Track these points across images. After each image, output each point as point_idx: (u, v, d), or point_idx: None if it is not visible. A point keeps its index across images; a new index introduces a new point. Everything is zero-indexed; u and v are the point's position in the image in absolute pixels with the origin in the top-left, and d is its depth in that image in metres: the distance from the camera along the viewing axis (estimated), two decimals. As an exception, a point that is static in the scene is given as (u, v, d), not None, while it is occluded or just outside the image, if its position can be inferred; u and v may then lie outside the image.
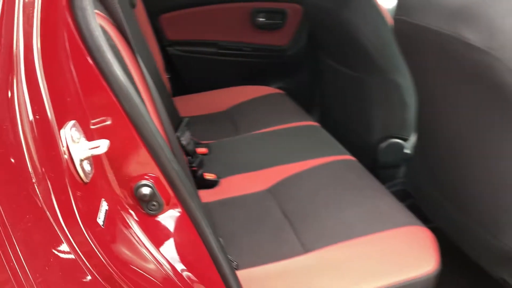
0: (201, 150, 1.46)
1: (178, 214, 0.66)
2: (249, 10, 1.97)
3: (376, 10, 1.48)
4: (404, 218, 1.09)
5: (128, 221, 0.62)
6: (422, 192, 1.40)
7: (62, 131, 0.52)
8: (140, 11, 1.56)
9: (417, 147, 1.41)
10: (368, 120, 1.67)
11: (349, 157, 1.39)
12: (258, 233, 1.09)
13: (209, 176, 1.32)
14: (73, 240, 0.50)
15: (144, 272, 0.61)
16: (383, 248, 1.00)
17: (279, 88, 2.00)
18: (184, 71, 2.07)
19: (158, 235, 0.65)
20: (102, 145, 0.55)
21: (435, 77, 1.10)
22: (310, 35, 2.01)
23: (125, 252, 0.59)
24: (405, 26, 1.14)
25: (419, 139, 1.39)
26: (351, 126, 1.77)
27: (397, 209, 1.13)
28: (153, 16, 1.84)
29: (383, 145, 1.65)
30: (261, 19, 2.00)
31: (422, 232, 1.04)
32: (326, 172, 1.30)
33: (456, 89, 1.04)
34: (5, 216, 0.45)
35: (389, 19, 1.52)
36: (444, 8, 0.98)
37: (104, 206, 0.58)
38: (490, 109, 0.96)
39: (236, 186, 1.29)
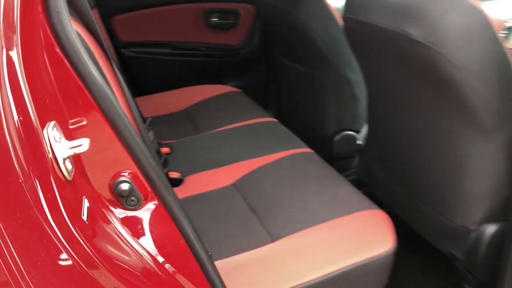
0: (164, 149, 1.48)
1: (156, 208, 0.69)
2: (202, 10, 2.00)
3: (326, 9, 1.55)
4: (361, 203, 1.16)
5: (108, 217, 0.64)
6: (375, 179, 1.49)
7: (44, 131, 0.54)
8: (94, 13, 1.55)
9: (368, 137, 1.50)
10: (322, 115, 1.75)
11: (307, 149, 1.45)
12: (226, 226, 1.13)
13: (173, 174, 1.34)
14: (61, 236, 0.52)
15: (127, 266, 0.64)
16: (344, 231, 1.07)
17: (235, 86, 2.05)
18: (139, 73, 2.06)
19: (138, 229, 0.67)
20: (83, 144, 0.57)
21: (384, 70, 1.19)
22: (263, 34, 2.07)
23: (109, 247, 0.62)
24: (354, 24, 1.22)
25: (370, 129, 1.48)
26: (307, 121, 1.85)
27: (355, 195, 1.21)
28: (105, 18, 1.83)
29: (337, 137, 1.74)
30: (214, 19, 2.03)
31: (378, 215, 1.12)
32: (287, 165, 1.36)
33: (403, 81, 1.13)
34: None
35: (338, 18, 1.60)
36: (390, 7, 1.07)
37: (85, 203, 0.60)
38: (435, 97, 1.06)
39: (201, 183, 1.32)
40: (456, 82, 0.97)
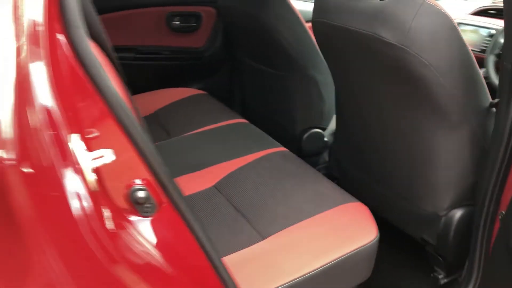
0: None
1: (170, 213, 0.70)
2: (165, 14, 1.99)
3: (292, 12, 1.61)
4: (342, 196, 1.23)
5: (125, 225, 0.65)
6: (346, 173, 1.57)
7: (70, 144, 0.54)
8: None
9: (338, 133, 1.58)
10: (291, 114, 1.81)
11: (282, 148, 1.50)
12: (215, 228, 1.15)
13: (154, 180, 1.33)
14: (95, 246, 0.53)
15: (146, 271, 0.65)
16: (330, 225, 1.12)
17: (200, 89, 2.06)
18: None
19: (154, 235, 0.69)
20: (106, 154, 0.58)
21: (356, 70, 1.26)
22: (226, 36, 2.09)
23: (133, 254, 0.63)
24: (325, 28, 1.28)
25: (339, 126, 1.55)
26: (275, 121, 1.90)
27: (334, 189, 1.27)
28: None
29: (306, 135, 1.81)
30: (176, 23, 2.03)
31: (359, 207, 1.19)
32: (266, 164, 1.39)
33: (375, 80, 1.20)
34: (43, 228, 0.47)
35: (303, 20, 1.66)
36: (362, 12, 1.14)
37: (106, 212, 0.61)
38: (405, 95, 1.14)
39: (183, 186, 1.32)
40: (426, 80, 1.05)
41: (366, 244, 1.07)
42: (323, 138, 1.82)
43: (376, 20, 1.09)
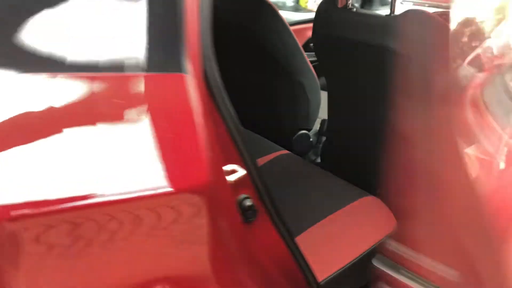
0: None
1: (265, 218, 0.78)
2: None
3: (284, 25, 1.70)
4: (356, 192, 1.35)
5: (243, 229, 0.72)
6: (341, 170, 1.70)
7: None
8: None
9: (331, 132, 1.70)
10: (279, 118, 1.90)
11: (285, 151, 1.60)
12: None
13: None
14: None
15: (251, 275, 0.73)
16: (355, 218, 1.24)
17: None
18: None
19: (255, 239, 0.76)
20: (237, 169, 0.65)
21: (360, 76, 1.39)
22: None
23: (247, 250, 0.71)
24: (328, 39, 1.40)
25: (331, 126, 1.68)
26: (263, 125, 1.98)
27: (346, 186, 1.39)
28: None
29: (294, 137, 1.91)
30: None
31: (374, 200, 1.32)
32: (275, 168, 1.48)
33: (380, 84, 1.34)
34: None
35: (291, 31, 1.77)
36: (366, 25, 1.27)
37: (237, 217, 0.68)
38: (408, 93, 1.28)
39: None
40: (427, 82, 1.21)
41: (390, 231, 1.20)
42: (309, 139, 1.95)
43: (383, 33, 1.23)
